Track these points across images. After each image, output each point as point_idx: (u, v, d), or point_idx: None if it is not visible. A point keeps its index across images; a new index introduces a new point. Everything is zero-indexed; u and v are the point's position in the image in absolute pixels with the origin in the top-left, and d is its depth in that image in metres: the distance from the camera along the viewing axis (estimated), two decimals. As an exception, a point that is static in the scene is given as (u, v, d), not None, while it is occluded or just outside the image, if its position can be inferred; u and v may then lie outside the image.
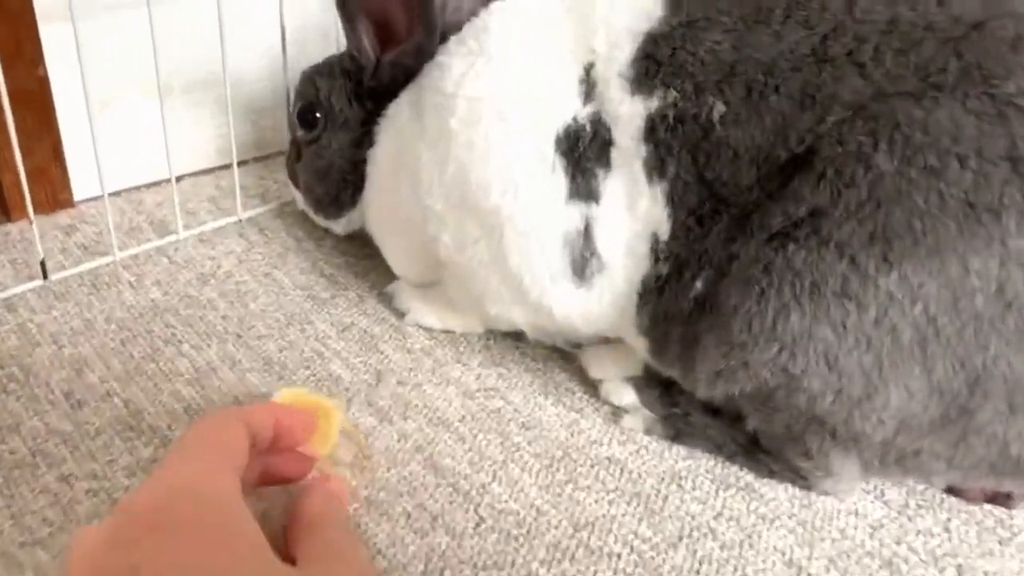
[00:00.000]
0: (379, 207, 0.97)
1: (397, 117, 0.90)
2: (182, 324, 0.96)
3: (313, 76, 0.98)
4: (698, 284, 0.72)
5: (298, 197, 1.09)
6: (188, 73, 1.21)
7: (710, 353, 0.72)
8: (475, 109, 0.79)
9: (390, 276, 1.04)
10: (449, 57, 0.83)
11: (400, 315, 1.00)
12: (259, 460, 0.64)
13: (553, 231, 0.77)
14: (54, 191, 1.14)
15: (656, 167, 0.72)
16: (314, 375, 0.90)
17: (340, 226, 1.06)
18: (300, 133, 1.00)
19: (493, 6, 0.86)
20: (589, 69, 0.77)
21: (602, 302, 0.79)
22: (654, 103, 0.72)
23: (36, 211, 1.13)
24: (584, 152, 0.76)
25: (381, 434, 0.83)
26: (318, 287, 1.04)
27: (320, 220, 1.08)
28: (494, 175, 0.78)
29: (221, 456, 0.54)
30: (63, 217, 1.14)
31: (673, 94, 0.71)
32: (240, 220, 1.15)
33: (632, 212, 0.75)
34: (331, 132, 0.97)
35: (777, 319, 0.66)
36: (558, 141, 0.76)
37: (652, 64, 0.73)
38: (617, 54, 0.75)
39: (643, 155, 0.73)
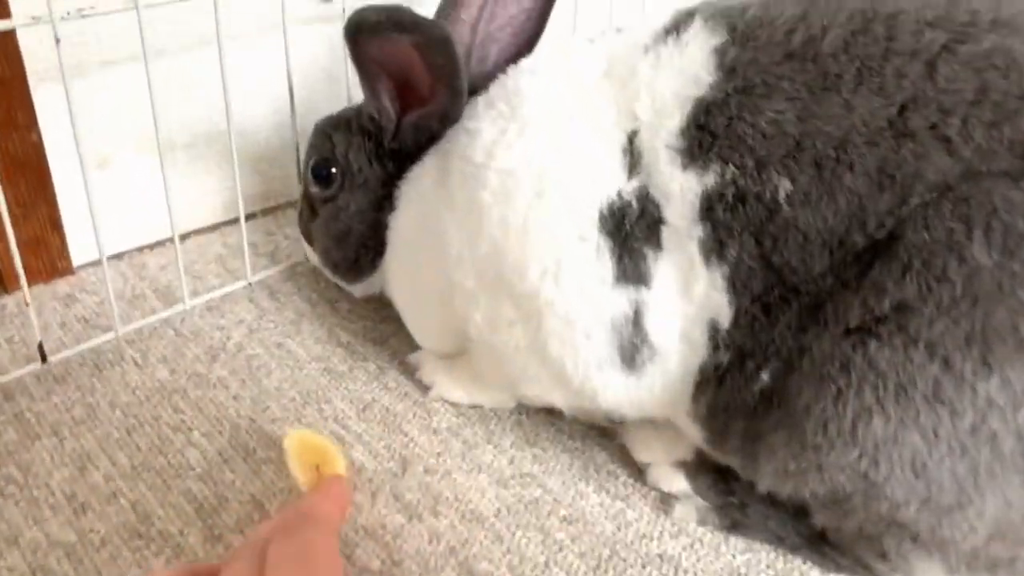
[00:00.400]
0: (401, 275, 0.90)
1: (420, 182, 0.83)
2: (191, 408, 0.89)
3: (329, 131, 0.92)
4: (764, 376, 0.65)
5: (311, 255, 1.02)
6: (188, 126, 1.15)
7: (778, 452, 0.65)
8: (508, 183, 0.72)
9: (411, 343, 0.98)
10: (477, 122, 0.76)
11: (424, 389, 0.93)
12: None
13: (599, 317, 0.70)
14: (52, 259, 1.08)
15: (714, 249, 0.65)
16: (335, 464, 0.83)
17: (358, 290, 0.99)
18: (314, 189, 0.93)
19: (524, 65, 0.80)
20: (633, 138, 0.70)
21: (653, 390, 0.73)
22: (710, 179, 0.65)
23: (34, 280, 1.07)
24: (631, 231, 0.69)
25: (411, 534, 0.76)
26: (335, 358, 0.97)
27: (337, 281, 1.01)
28: (532, 256, 0.71)
29: None
30: (62, 286, 1.08)
31: (731, 170, 0.64)
32: (250, 284, 1.08)
33: (687, 297, 0.68)
34: (349, 192, 0.90)
35: (857, 423, 0.59)
36: (602, 220, 0.69)
37: (706, 135, 0.66)
38: (664, 123, 0.68)
39: (699, 236, 0.66)
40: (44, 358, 0.93)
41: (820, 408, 0.61)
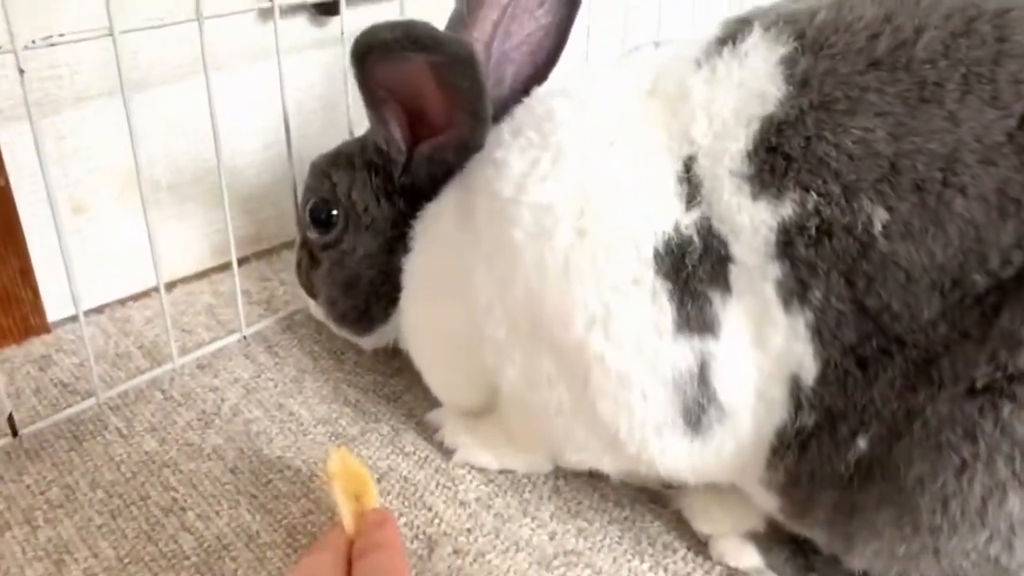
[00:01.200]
0: (419, 324, 0.80)
1: (439, 221, 0.74)
2: (184, 485, 0.78)
3: (327, 169, 0.82)
4: (861, 443, 0.55)
5: (313, 306, 0.91)
6: (172, 165, 1.05)
7: (883, 532, 0.55)
8: (544, 219, 0.62)
9: (429, 399, 0.87)
10: (504, 152, 0.66)
11: (446, 453, 0.83)
12: None
13: (658, 373, 0.60)
14: (24, 316, 0.97)
15: (795, 291, 0.56)
16: (351, 547, 0.72)
17: (369, 342, 0.89)
18: (313, 235, 0.83)
19: (550, 89, 0.70)
20: (689, 164, 0.60)
21: (721, 456, 0.63)
22: (787, 209, 0.55)
23: (4, 341, 0.96)
24: (693, 272, 0.59)
25: (444, 631, 0.66)
26: (343, 420, 0.87)
27: (344, 335, 0.90)
28: (576, 303, 0.61)
29: None
30: (36, 345, 0.97)
31: (813, 198, 0.54)
32: (245, 337, 0.98)
33: (762, 348, 0.58)
34: (354, 235, 0.80)
35: (988, 501, 0.50)
36: (658, 258, 0.59)
37: (779, 159, 0.56)
38: (727, 146, 0.58)
39: (776, 276, 0.56)
40: (15, 432, 0.82)
41: (939, 483, 0.51)
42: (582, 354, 0.62)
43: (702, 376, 0.60)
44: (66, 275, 0.96)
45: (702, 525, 0.72)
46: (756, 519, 0.70)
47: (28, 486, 0.78)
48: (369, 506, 0.67)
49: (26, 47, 0.71)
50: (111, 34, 0.75)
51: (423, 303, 0.77)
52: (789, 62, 0.58)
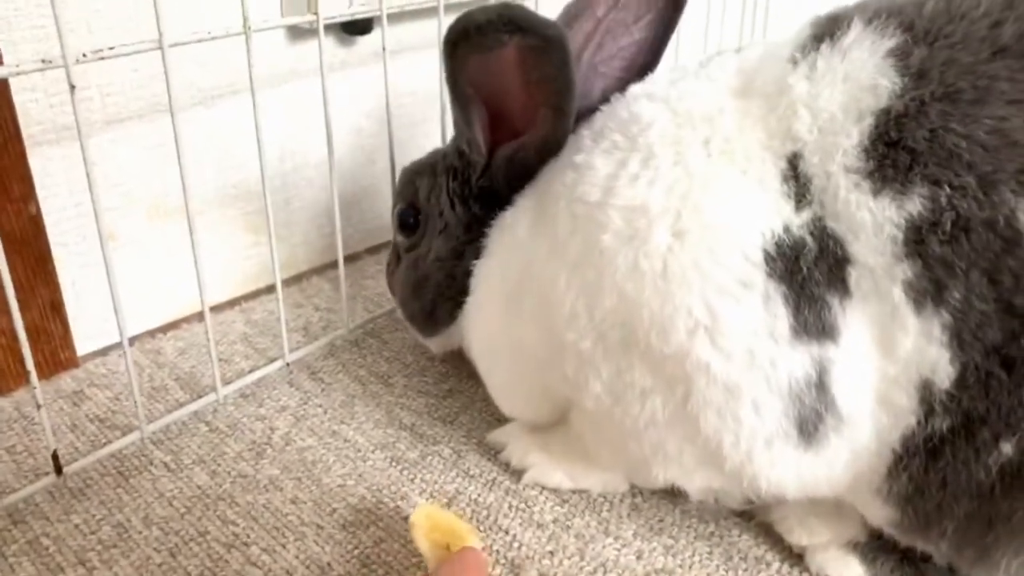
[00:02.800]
0: (487, 332, 0.77)
1: (514, 228, 0.71)
2: (243, 518, 0.74)
3: (413, 175, 0.83)
4: (1006, 448, 0.53)
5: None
6: (200, 191, 1.01)
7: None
8: (638, 222, 0.60)
9: (487, 420, 0.85)
10: (587, 155, 0.64)
11: (513, 473, 0.79)
12: None
13: (772, 382, 0.57)
14: (54, 351, 0.92)
15: (930, 292, 0.53)
16: (431, 575, 0.69)
17: (435, 344, 0.88)
18: (400, 238, 0.85)
19: (635, 91, 0.68)
20: (795, 162, 0.58)
21: (834, 467, 0.60)
22: (915, 205, 0.53)
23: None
24: (809, 275, 0.56)
25: (543, 659, 0.62)
26: (401, 444, 0.83)
27: (415, 336, 0.90)
28: (677, 309, 0.58)
29: None
30: (67, 381, 0.93)
31: (946, 192, 0.52)
32: (287, 364, 0.94)
33: (889, 353, 0.55)
34: (430, 238, 0.81)
35: None
36: (768, 261, 0.57)
37: (901, 153, 0.54)
38: (838, 141, 0.56)
39: (905, 277, 0.54)
40: (59, 470, 0.77)
41: None
42: (683, 364, 0.59)
43: (820, 383, 0.57)
44: (99, 306, 0.93)
45: (799, 537, 0.69)
46: (857, 528, 0.67)
47: (77, 526, 0.74)
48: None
49: (78, 61, 0.68)
50: (160, 47, 0.72)
51: (492, 310, 0.75)
52: (901, 54, 0.56)
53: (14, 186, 0.84)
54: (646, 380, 0.62)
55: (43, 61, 0.66)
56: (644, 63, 0.76)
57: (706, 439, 0.61)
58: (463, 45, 0.63)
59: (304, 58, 1.05)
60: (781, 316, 0.57)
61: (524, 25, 0.60)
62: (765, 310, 0.57)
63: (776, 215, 0.57)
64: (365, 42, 1.10)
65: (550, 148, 0.68)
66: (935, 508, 0.57)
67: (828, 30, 0.60)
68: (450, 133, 0.81)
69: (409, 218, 0.82)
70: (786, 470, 0.60)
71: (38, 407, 0.74)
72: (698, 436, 0.61)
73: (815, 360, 0.57)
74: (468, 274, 0.76)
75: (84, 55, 0.68)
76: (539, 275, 0.67)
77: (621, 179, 0.62)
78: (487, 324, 0.76)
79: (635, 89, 0.68)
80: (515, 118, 0.69)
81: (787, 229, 0.57)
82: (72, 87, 0.68)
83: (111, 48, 0.70)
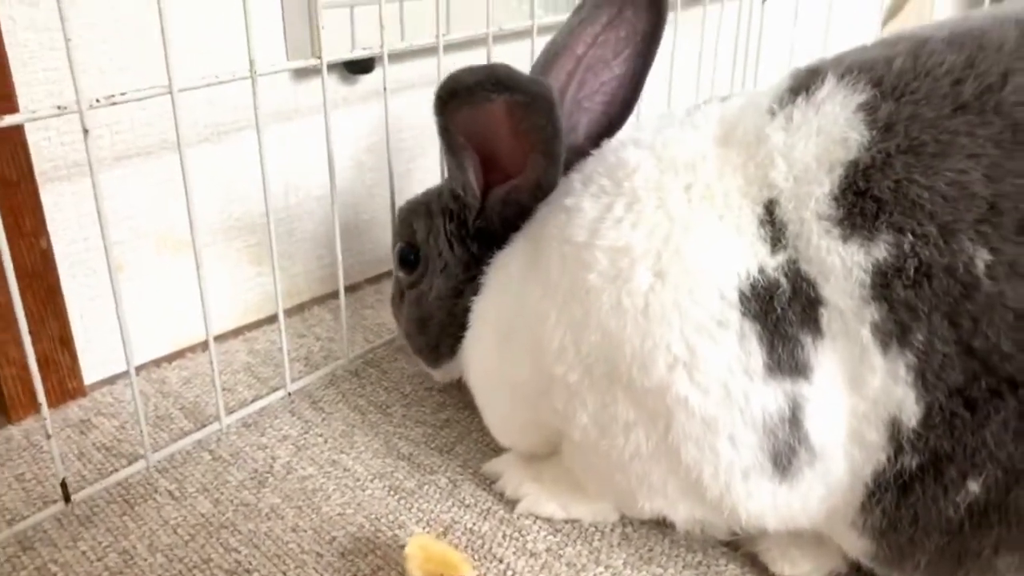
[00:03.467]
0: (484, 366, 0.80)
1: (508, 268, 0.74)
2: (246, 546, 0.77)
3: (409, 216, 0.86)
4: (972, 486, 0.55)
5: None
6: (203, 225, 1.04)
7: (1004, 576, 0.55)
8: (621, 262, 0.63)
9: (483, 450, 0.87)
10: (576, 199, 0.67)
11: (508, 503, 0.82)
12: None
13: (747, 416, 0.60)
14: (61, 380, 0.95)
15: (895, 333, 0.56)
16: (426, 603, 0.71)
17: (439, 375, 0.91)
18: (400, 274, 0.88)
19: (623, 138, 0.71)
20: (771, 208, 0.61)
21: (809, 501, 0.62)
22: (880, 251, 0.56)
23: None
24: (783, 315, 0.59)
25: None
26: (399, 474, 0.86)
27: (421, 366, 0.93)
28: (657, 345, 0.61)
29: None
30: (74, 410, 0.95)
31: (909, 239, 0.55)
32: (289, 394, 0.97)
33: (858, 391, 0.58)
34: (431, 277, 0.84)
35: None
36: (743, 300, 0.60)
37: (868, 202, 0.57)
38: (811, 190, 0.59)
39: (872, 319, 0.57)
40: (68, 498, 0.80)
41: None
42: (664, 398, 0.62)
43: (793, 419, 0.60)
44: (106, 336, 0.96)
45: (781, 568, 0.71)
46: (838, 560, 0.69)
47: (84, 552, 0.76)
48: None
49: (91, 106, 0.71)
50: (170, 92, 0.76)
51: (488, 345, 0.78)
52: (870, 108, 0.59)
53: (26, 221, 0.87)
54: (630, 413, 0.65)
55: (58, 107, 0.69)
56: (625, 97, 0.80)
57: (687, 470, 0.63)
58: (452, 102, 0.66)
59: (308, 95, 1.09)
60: (755, 353, 0.59)
61: (510, 85, 0.64)
62: (740, 347, 0.60)
63: (752, 257, 0.60)
64: (367, 80, 1.13)
65: (542, 189, 0.72)
66: (908, 542, 0.59)
67: (804, 83, 0.63)
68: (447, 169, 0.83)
69: (409, 255, 0.85)
70: (763, 502, 0.63)
71: (47, 437, 0.76)
72: (680, 467, 0.64)
73: (788, 396, 0.59)
74: (467, 311, 0.79)
75: (97, 100, 0.71)
76: (532, 312, 0.69)
77: (607, 221, 0.65)
78: (484, 359, 0.79)
79: (623, 136, 0.71)
80: (506, 162, 0.73)
81: (762, 270, 0.60)
82: (86, 131, 0.71)
83: (123, 93, 0.73)
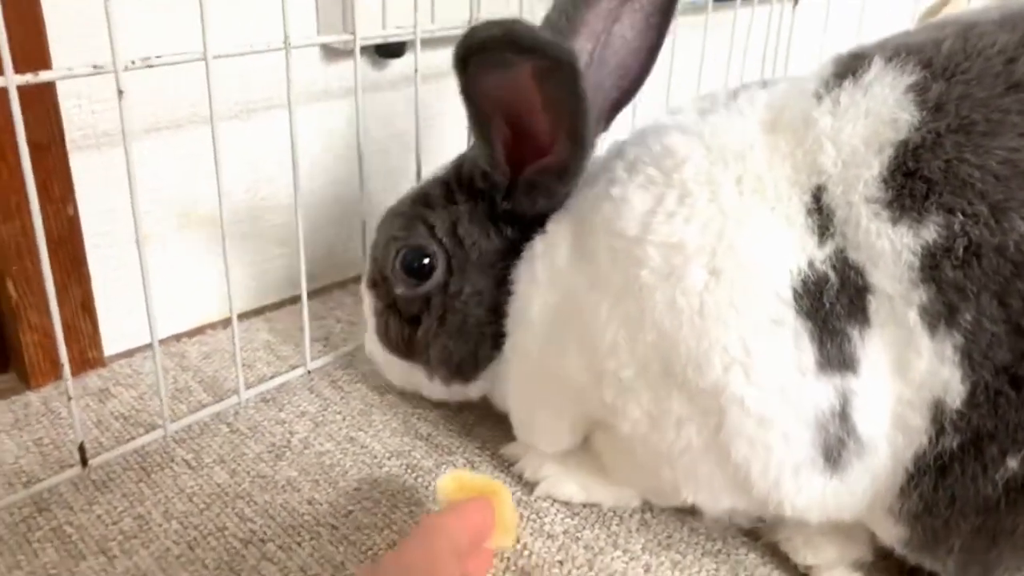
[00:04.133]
0: (528, 366, 0.75)
1: (551, 258, 0.71)
2: (261, 516, 0.76)
3: (418, 212, 0.79)
4: (1012, 464, 0.54)
5: (393, 372, 0.87)
6: (228, 202, 1.03)
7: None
8: (674, 259, 0.61)
9: (500, 432, 0.86)
10: (622, 188, 0.66)
11: (526, 484, 0.81)
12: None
13: (800, 414, 0.59)
14: (82, 349, 0.95)
15: (944, 315, 0.55)
16: (441, 579, 0.70)
17: (476, 389, 0.83)
18: (406, 290, 0.79)
19: (666, 122, 0.68)
20: (819, 195, 0.60)
21: (855, 491, 0.62)
22: (930, 232, 0.55)
23: (60, 375, 0.94)
24: (831, 309, 0.58)
25: (550, 663, 0.63)
26: (417, 453, 0.85)
27: (448, 392, 0.84)
28: (712, 347, 0.60)
29: None
30: (93, 379, 0.95)
31: (959, 219, 0.55)
32: (309, 372, 0.96)
33: (904, 377, 0.57)
34: (460, 275, 0.77)
35: None
36: (796, 298, 0.59)
37: (918, 183, 0.56)
38: (859, 173, 0.58)
39: (921, 301, 0.56)
40: (85, 462, 0.80)
41: None
42: (718, 397, 0.61)
43: (843, 413, 0.59)
44: (126, 309, 0.96)
45: (805, 557, 0.70)
46: (864, 548, 0.68)
47: (99, 516, 0.76)
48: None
49: (126, 68, 0.71)
50: (205, 58, 0.76)
51: (532, 341, 0.73)
52: (919, 89, 0.58)
53: (55, 187, 0.87)
54: (683, 410, 0.63)
55: (94, 66, 0.70)
56: (638, 73, 0.78)
57: (736, 466, 0.62)
58: (472, 60, 0.61)
59: (337, 78, 1.09)
60: (807, 351, 0.59)
61: (529, 45, 0.58)
62: (794, 346, 0.59)
63: (802, 251, 0.59)
64: (396, 65, 1.14)
65: (570, 173, 0.69)
66: (943, 525, 0.58)
67: (850, 67, 0.62)
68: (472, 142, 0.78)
69: (418, 262, 0.77)
70: (812, 496, 0.62)
71: (68, 399, 0.76)
72: (728, 463, 0.63)
73: (838, 391, 0.59)
74: (505, 313, 0.75)
75: (133, 62, 0.72)
76: (580, 305, 0.67)
77: (658, 215, 0.63)
78: (528, 356, 0.75)
79: (666, 120, 0.69)
80: (540, 137, 0.69)
81: (811, 265, 0.59)
82: (120, 92, 0.71)
83: (159, 56, 0.73)
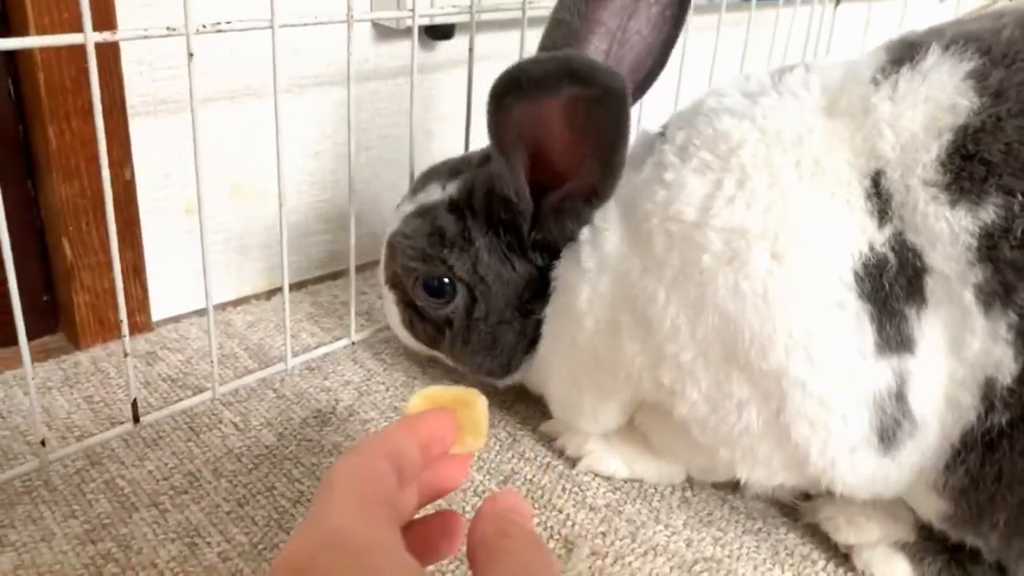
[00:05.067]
0: (571, 359, 0.75)
1: (598, 244, 0.70)
2: (308, 478, 0.77)
3: (433, 252, 0.77)
4: None
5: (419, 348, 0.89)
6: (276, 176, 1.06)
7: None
8: (737, 244, 0.61)
9: (540, 408, 0.87)
10: (675, 173, 0.65)
11: (568, 459, 0.82)
12: (414, 484, 0.52)
13: (860, 395, 0.60)
14: (131, 313, 0.96)
15: (999, 294, 0.56)
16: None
17: (506, 382, 0.85)
18: (428, 305, 0.81)
19: (712, 105, 0.68)
20: (878, 179, 0.61)
21: (903, 468, 0.63)
22: (988, 214, 0.56)
23: (109, 336, 0.96)
24: (891, 290, 0.59)
25: (595, 627, 0.64)
26: (460, 425, 0.86)
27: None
28: (776, 331, 0.61)
29: (370, 504, 0.44)
30: (141, 343, 0.97)
31: (1019, 200, 0.55)
32: (353, 343, 0.98)
33: (958, 355, 0.58)
34: (485, 301, 0.77)
35: None
36: (858, 281, 0.60)
37: (977, 166, 0.57)
38: (918, 157, 0.59)
39: (976, 280, 0.57)
40: (137, 418, 0.81)
41: None
42: (781, 380, 0.61)
43: (899, 394, 0.60)
44: (173, 275, 0.98)
45: (846, 536, 0.71)
46: (907, 528, 0.69)
47: (150, 471, 0.77)
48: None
49: (198, 31, 0.72)
50: (271, 27, 0.77)
51: (581, 335, 0.72)
52: (979, 75, 0.59)
53: (114, 150, 0.88)
54: (743, 392, 0.64)
55: (168, 28, 0.71)
56: (652, 66, 0.77)
57: (795, 446, 0.63)
58: (512, 95, 0.61)
59: (387, 57, 1.10)
60: (867, 333, 0.60)
61: (586, 76, 0.59)
62: (856, 329, 0.60)
63: (862, 234, 0.60)
64: (445, 47, 1.15)
65: (601, 196, 0.69)
66: (988, 499, 0.59)
67: (907, 54, 0.63)
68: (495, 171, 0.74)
69: (437, 286, 0.78)
70: (864, 474, 0.63)
71: (125, 355, 0.78)
72: (788, 443, 0.63)
73: (896, 372, 0.60)
74: (540, 321, 0.76)
75: (204, 26, 0.73)
76: (635, 290, 0.67)
77: (718, 200, 0.63)
78: (572, 344, 0.74)
79: (711, 103, 0.69)
80: (558, 162, 0.68)
81: (872, 248, 0.60)
82: (190, 55, 0.72)
83: (228, 22, 0.75)
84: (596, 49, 0.77)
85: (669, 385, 0.67)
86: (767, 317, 0.61)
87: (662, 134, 0.71)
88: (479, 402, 0.57)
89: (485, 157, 0.80)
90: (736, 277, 0.61)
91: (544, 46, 0.79)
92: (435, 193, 0.81)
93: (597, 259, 0.70)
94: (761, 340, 0.61)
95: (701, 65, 1.27)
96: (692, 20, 1.17)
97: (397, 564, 0.40)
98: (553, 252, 0.75)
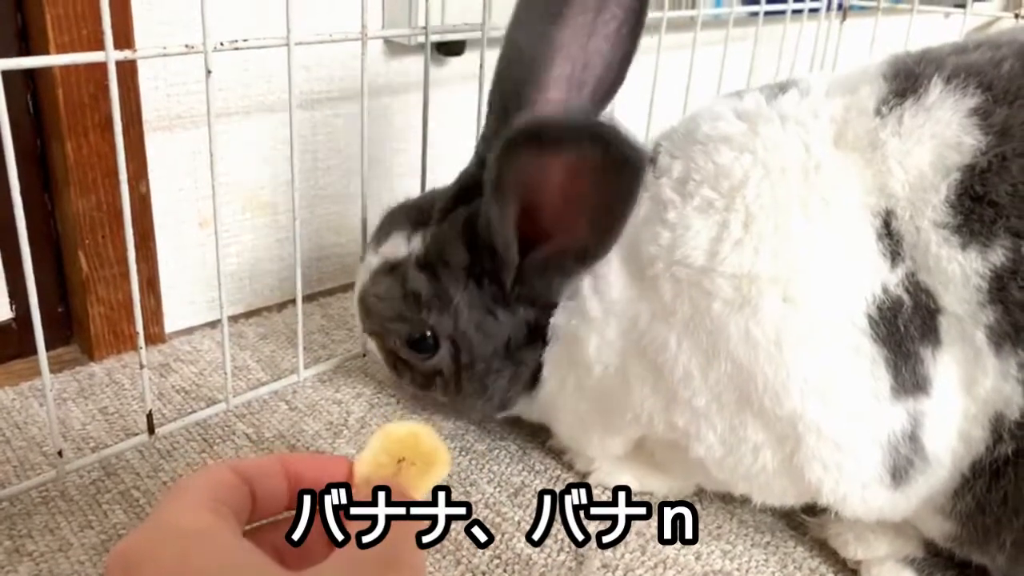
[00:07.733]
0: (578, 403, 0.75)
1: (602, 291, 0.68)
2: (321, 489, 0.78)
3: (412, 316, 0.75)
4: None
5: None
6: (289, 190, 1.07)
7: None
8: (747, 290, 0.61)
9: (552, 423, 0.88)
10: (678, 213, 0.64)
11: (578, 472, 0.83)
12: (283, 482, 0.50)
13: (874, 438, 0.61)
14: (145, 324, 0.96)
15: (1009, 334, 0.57)
16: (498, 557, 0.72)
17: (503, 415, 0.85)
18: (414, 359, 0.79)
19: (708, 133, 0.66)
20: (888, 220, 0.61)
21: (911, 499, 0.64)
22: (997, 257, 0.56)
23: (123, 348, 0.97)
24: (906, 332, 0.59)
25: (606, 640, 0.65)
26: (470, 437, 0.87)
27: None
28: (791, 377, 0.61)
29: (206, 494, 0.45)
30: (154, 355, 0.98)
31: None
32: (364, 355, 0.99)
33: (970, 393, 0.59)
34: (470, 353, 0.76)
35: None
36: (872, 325, 0.60)
37: (986, 208, 0.57)
38: (927, 197, 0.59)
39: (987, 321, 0.57)
40: (152, 430, 0.82)
41: None
42: (796, 424, 0.62)
43: (913, 435, 0.61)
44: (185, 288, 0.98)
45: (855, 551, 0.71)
46: (915, 545, 0.70)
47: (165, 482, 0.78)
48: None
49: (215, 48, 0.73)
50: (287, 44, 0.78)
51: (584, 379, 0.72)
52: (983, 113, 0.58)
53: (130, 164, 0.89)
54: (759, 436, 0.64)
55: (186, 46, 0.72)
56: (612, 82, 0.75)
57: (808, 484, 0.64)
58: (526, 147, 0.59)
59: (399, 73, 1.12)
60: (883, 378, 0.60)
61: (611, 143, 0.56)
62: (871, 373, 0.60)
63: (875, 276, 0.60)
64: (455, 64, 1.16)
65: (593, 256, 0.66)
66: (995, 523, 0.60)
67: (909, 86, 0.62)
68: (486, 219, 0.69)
69: (419, 338, 0.76)
70: (874, 507, 0.65)
71: (141, 367, 0.79)
72: (802, 482, 0.64)
73: (911, 414, 0.60)
74: (539, 364, 0.75)
75: (221, 43, 0.74)
76: (644, 338, 0.66)
77: (725, 244, 0.61)
78: (579, 389, 0.74)
79: (707, 130, 0.66)
80: (546, 217, 0.65)
81: (885, 290, 0.60)
82: (208, 72, 0.73)
83: (245, 40, 0.76)
84: (560, 75, 0.74)
85: (684, 427, 0.67)
86: (780, 363, 0.61)
87: (652, 160, 0.68)
88: (422, 431, 0.54)
89: (451, 200, 0.75)
90: (748, 324, 0.61)
91: (502, 76, 0.74)
92: (400, 246, 0.77)
93: (603, 307, 0.68)
94: (775, 386, 0.61)
95: (708, 81, 1.28)
96: (700, 36, 1.18)
97: (224, 545, 0.41)
98: (541, 304, 0.73)
